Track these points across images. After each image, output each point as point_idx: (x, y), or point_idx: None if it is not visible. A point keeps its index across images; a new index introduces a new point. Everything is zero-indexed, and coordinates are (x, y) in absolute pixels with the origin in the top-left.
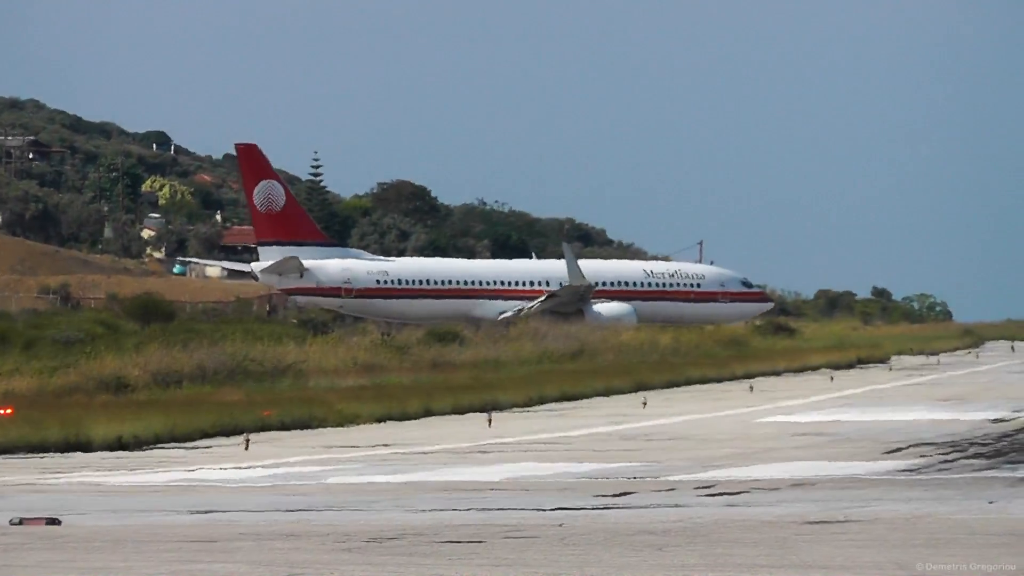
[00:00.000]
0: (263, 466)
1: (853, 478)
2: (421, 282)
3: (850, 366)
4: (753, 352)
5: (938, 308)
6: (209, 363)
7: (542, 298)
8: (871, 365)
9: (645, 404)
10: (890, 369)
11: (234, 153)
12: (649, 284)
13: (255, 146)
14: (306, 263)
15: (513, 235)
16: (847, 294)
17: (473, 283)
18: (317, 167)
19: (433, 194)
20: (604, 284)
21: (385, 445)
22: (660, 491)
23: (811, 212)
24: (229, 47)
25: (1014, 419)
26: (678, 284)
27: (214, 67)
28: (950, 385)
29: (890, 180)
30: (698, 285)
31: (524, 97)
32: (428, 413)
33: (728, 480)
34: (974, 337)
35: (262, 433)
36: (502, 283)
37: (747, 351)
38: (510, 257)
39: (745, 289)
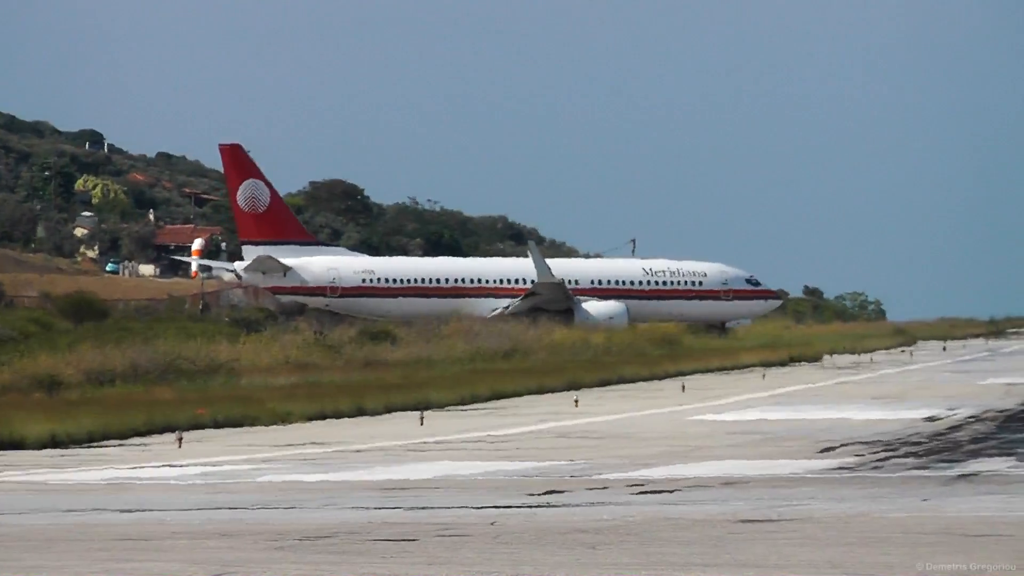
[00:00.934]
0: (196, 465)
1: (786, 477)
2: (409, 281)
3: (782, 365)
4: (686, 351)
5: (871, 307)
6: (142, 362)
7: (521, 297)
8: (803, 364)
9: (577, 403)
10: (822, 368)
11: (167, 152)
12: (648, 283)
13: (239, 146)
14: (290, 262)
15: (446, 234)
16: (779, 292)
17: (464, 281)
18: None
19: (366, 193)
20: (601, 283)
21: (318, 444)
22: (593, 490)
23: (742, 210)
24: (161, 46)
25: (947, 418)
26: (678, 283)
27: (147, 66)
28: (883, 384)
29: (821, 179)
30: (700, 283)
31: (456, 96)
32: (360, 412)
33: (661, 479)
34: (907, 336)
35: (195, 432)
36: (493, 281)
37: (679, 350)
38: (442, 256)
39: (750, 287)
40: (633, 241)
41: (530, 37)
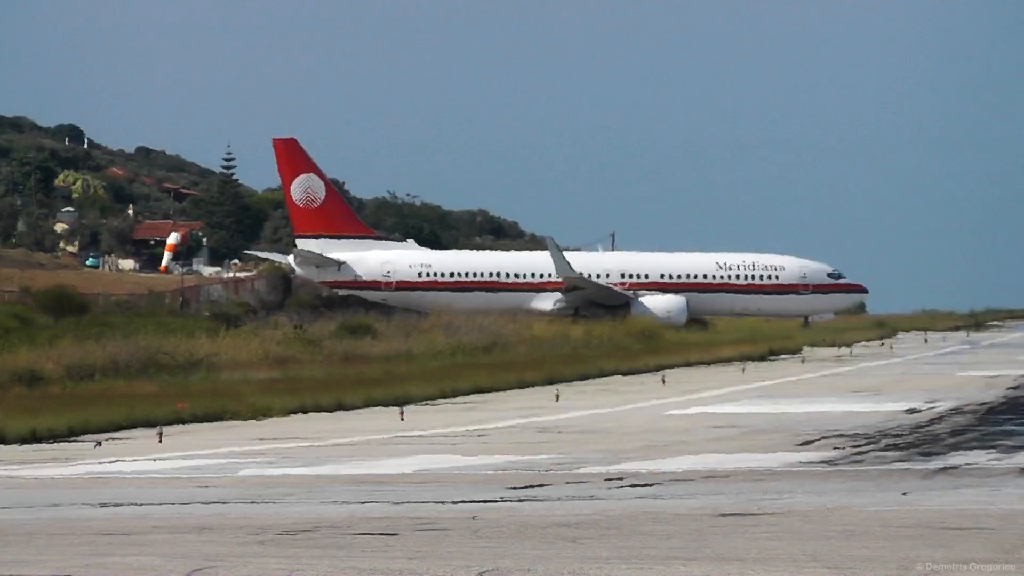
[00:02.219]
0: (176, 459)
1: (766, 470)
2: (467, 274)
3: (762, 358)
4: (665, 344)
5: None
6: (122, 356)
7: (562, 291)
8: (783, 357)
9: (558, 397)
10: (803, 361)
11: (147, 147)
12: (721, 277)
13: (294, 140)
14: (344, 256)
15: (425, 228)
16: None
17: (524, 276)
18: (230, 161)
19: (345, 187)
20: (672, 277)
21: (298, 438)
22: (573, 483)
23: (722, 202)
24: (140, 41)
25: (927, 411)
26: (753, 276)
27: (126, 61)
28: (863, 377)
29: (801, 169)
30: (776, 277)
31: (434, 89)
32: (340, 406)
33: (641, 472)
34: (887, 328)
35: (175, 426)
36: (550, 275)
37: (659, 343)
38: None
39: (831, 280)
40: (613, 235)
41: (507, 32)
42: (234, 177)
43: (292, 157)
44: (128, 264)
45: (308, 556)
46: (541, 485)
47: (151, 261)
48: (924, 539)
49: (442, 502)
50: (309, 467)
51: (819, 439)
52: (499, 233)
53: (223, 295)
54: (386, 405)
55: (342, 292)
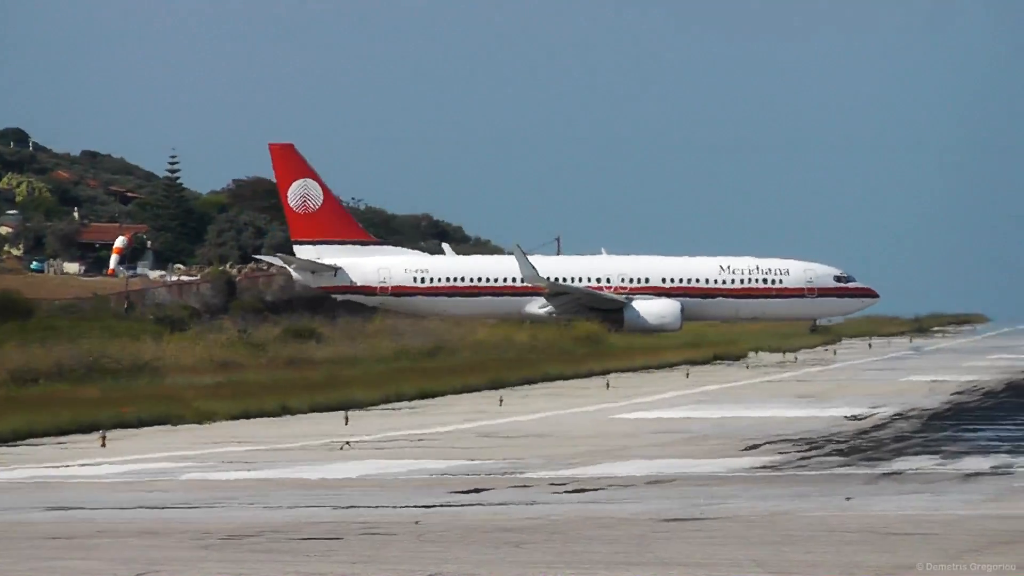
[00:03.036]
0: (121, 463)
1: (710, 475)
2: (463, 279)
3: (707, 363)
4: (610, 349)
5: None
6: (67, 360)
7: (546, 296)
8: (728, 362)
9: (502, 401)
10: (747, 366)
11: (93, 150)
12: (725, 281)
13: (291, 146)
14: (340, 262)
15: (369, 232)
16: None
17: (521, 280)
18: (174, 164)
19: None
20: (674, 280)
21: (242, 442)
22: (517, 488)
23: (668, 207)
24: (86, 43)
25: (871, 416)
26: (758, 280)
27: (72, 64)
28: (807, 382)
29: (745, 173)
30: (780, 281)
31: (378, 93)
32: (285, 411)
33: (585, 477)
34: (831, 334)
35: (120, 430)
36: (565, 279)
37: (604, 348)
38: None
39: (838, 284)
40: (558, 238)
41: (447, 34)
42: (179, 180)
43: (289, 162)
44: (73, 268)
45: (253, 560)
46: (485, 489)
47: (97, 264)
48: (868, 544)
49: (387, 506)
50: (254, 471)
51: (763, 444)
52: (444, 237)
53: (168, 298)
54: (331, 409)
55: (340, 297)
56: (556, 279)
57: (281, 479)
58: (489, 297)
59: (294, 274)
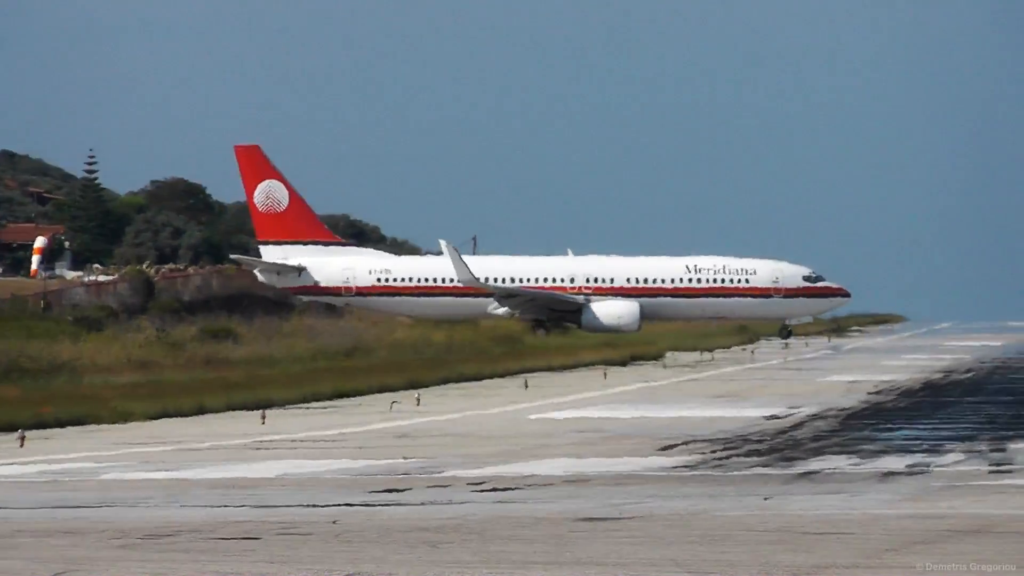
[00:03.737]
0: (39, 463)
1: (628, 475)
2: (426, 280)
3: (624, 363)
4: (527, 349)
5: None
6: None
7: (497, 299)
8: (645, 362)
9: (419, 401)
10: (664, 366)
11: (10, 151)
12: (691, 280)
13: (257, 147)
14: (305, 262)
15: None
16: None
17: (501, 280)
18: (92, 164)
19: (208, 191)
20: (638, 281)
21: (160, 442)
22: (435, 488)
23: (586, 207)
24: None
25: (788, 416)
26: (723, 280)
27: None
28: (725, 382)
29: (656, 174)
30: (747, 280)
31: (296, 92)
32: (202, 410)
33: (502, 477)
34: (749, 334)
35: (38, 430)
36: (520, 280)
37: (521, 348)
38: None
39: (807, 284)
40: (475, 238)
41: (366, 33)
42: (97, 181)
43: (254, 164)
44: None
45: (171, 560)
46: (402, 489)
47: (14, 265)
48: (785, 544)
49: (304, 506)
50: (172, 471)
51: (680, 444)
52: (362, 237)
53: (85, 299)
54: (248, 409)
55: (306, 298)
56: (518, 280)
57: (199, 479)
58: (452, 298)
59: (259, 276)
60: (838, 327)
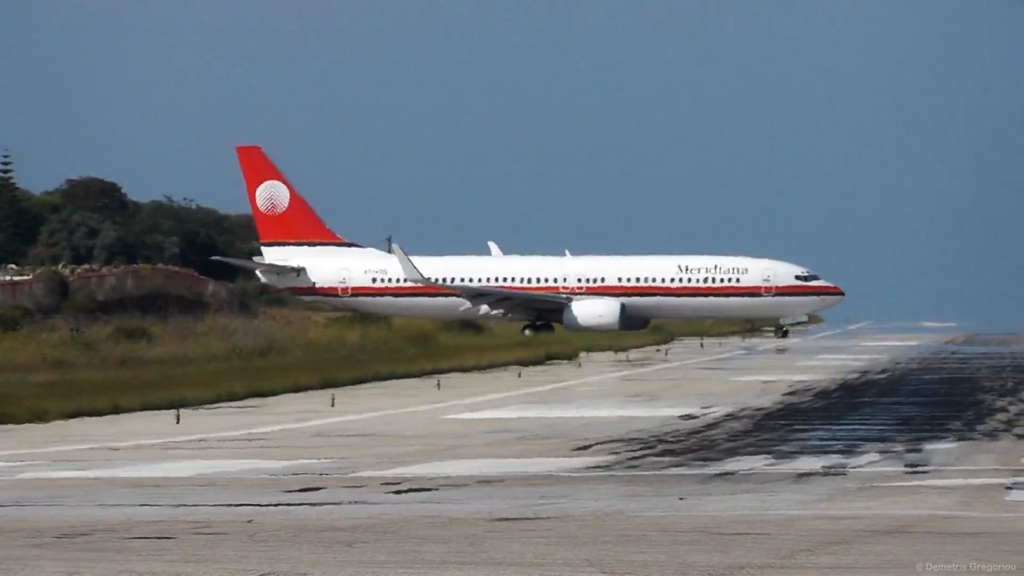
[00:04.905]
0: None
1: (542, 475)
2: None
3: (539, 363)
4: (441, 349)
5: None
6: None
7: (469, 298)
8: (560, 362)
9: (333, 401)
10: (579, 366)
11: None
12: (680, 280)
13: (258, 148)
14: (304, 263)
15: (201, 232)
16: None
17: (492, 280)
18: (7, 164)
19: (123, 191)
20: (630, 280)
21: (75, 441)
22: (349, 488)
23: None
24: None
25: (703, 416)
26: (715, 279)
27: None
28: (640, 382)
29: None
30: (738, 280)
31: (208, 92)
32: (117, 410)
33: (417, 477)
34: (664, 334)
35: None
36: (517, 280)
37: (435, 348)
38: (199, 255)
39: (799, 283)
40: (389, 239)
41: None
42: (11, 180)
43: (256, 165)
44: None
45: (86, 559)
46: (317, 489)
47: None
48: (700, 544)
49: (219, 505)
50: (86, 470)
51: (595, 444)
52: None
53: (0, 299)
54: (163, 409)
55: (307, 298)
56: (514, 280)
57: (114, 478)
58: (443, 298)
59: (261, 276)
60: (752, 328)
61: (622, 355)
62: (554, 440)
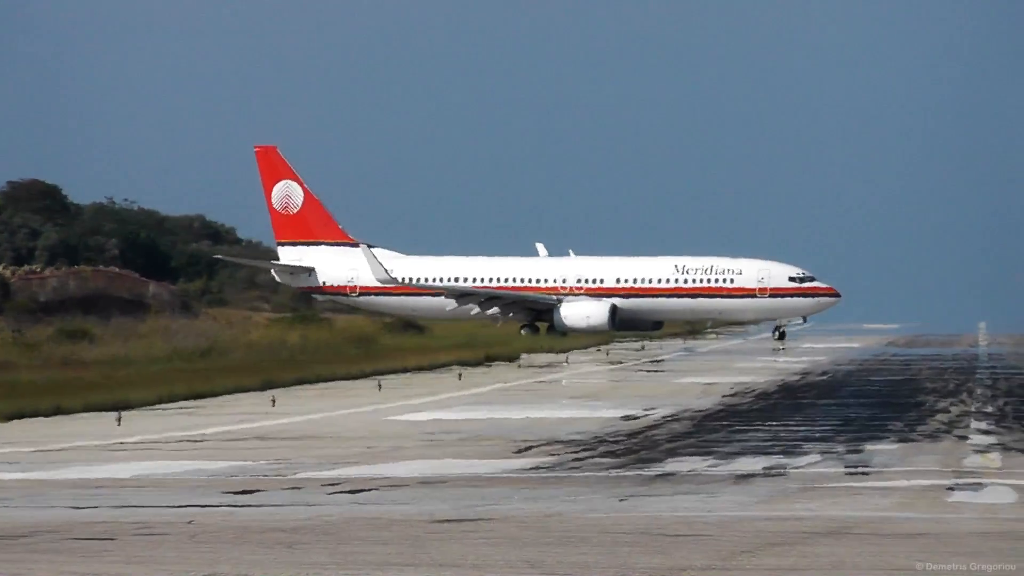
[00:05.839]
0: None
1: (483, 476)
2: (423, 280)
3: (479, 364)
4: (382, 350)
5: None
6: None
7: (456, 299)
8: (501, 363)
9: (274, 402)
10: (519, 367)
11: None
12: (678, 281)
13: (274, 148)
14: (315, 262)
15: (142, 233)
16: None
17: (481, 280)
18: None
19: (64, 192)
20: (628, 281)
21: (16, 443)
22: (290, 489)
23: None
24: None
25: (644, 417)
26: (710, 280)
27: None
28: (580, 383)
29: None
30: (733, 280)
31: (149, 92)
32: (59, 411)
33: (357, 478)
34: (606, 335)
35: None
36: (519, 280)
37: (376, 349)
38: (140, 257)
39: (793, 284)
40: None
41: (223, 35)
42: None
43: (272, 165)
44: None
45: (28, 561)
46: (259, 490)
47: None
48: (641, 546)
49: (161, 507)
50: (28, 472)
51: (536, 445)
52: (216, 238)
53: None
54: (105, 410)
55: (320, 298)
56: (514, 281)
57: (56, 479)
58: (469, 296)
59: (277, 276)
60: (693, 329)
61: (562, 356)
62: (495, 441)
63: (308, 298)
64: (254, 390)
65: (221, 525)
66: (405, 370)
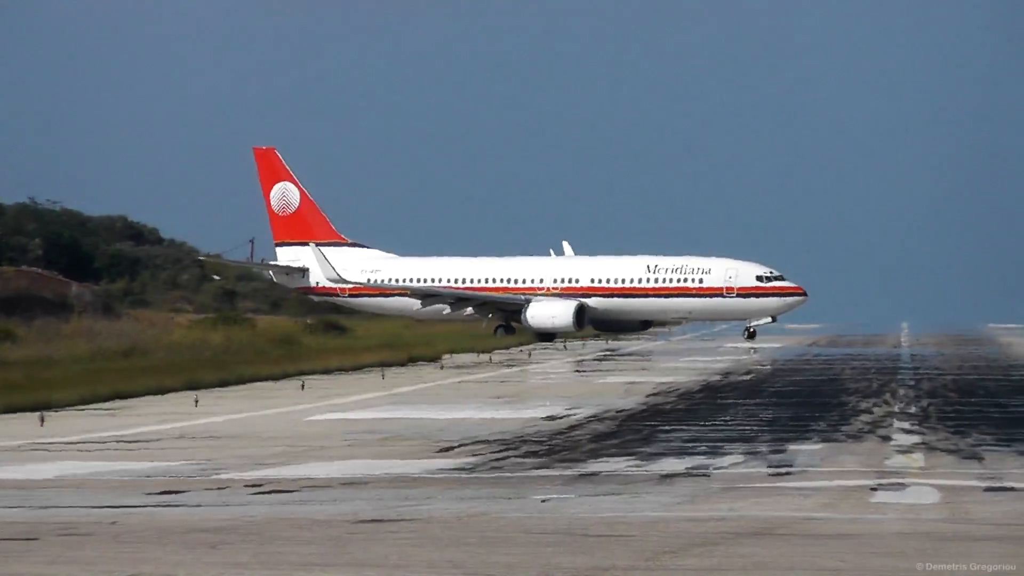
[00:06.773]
0: None
1: (406, 477)
2: (414, 280)
3: (402, 364)
4: (305, 351)
5: None
6: None
7: (420, 299)
8: (423, 363)
9: (197, 402)
10: (442, 367)
11: None
12: (650, 280)
13: (272, 150)
14: (308, 263)
15: (65, 234)
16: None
17: (468, 281)
18: None
19: None
20: (601, 281)
21: None
22: (212, 489)
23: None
24: None
25: (567, 417)
26: (680, 280)
27: None
28: (502, 383)
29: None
30: (701, 280)
31: (75, 92)
32: None
33: (280, 478)
34: (527, 335)
35: None
36: (507, 281)
37: (299, 349)
38: (63, 257)
39: (759, 284)
40: (252, 240)
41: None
42: None
43: (270, 166)
44: None
45: None
46: (181, 491)
47: None
48: (564, 546)
49: (84, 507)
50: None
51: (458, 446)
52: (139, 239)
53: None
54: (27, 410)
55: (314, 298)
56: (491, 281)
57: None
58: (434, 297)
59: (274, 277)
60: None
61: (484, 356)
62: (418, 441)
63: (305, 299)
64: (177, 390)
65: (144, 525)
66: (328, 371)
